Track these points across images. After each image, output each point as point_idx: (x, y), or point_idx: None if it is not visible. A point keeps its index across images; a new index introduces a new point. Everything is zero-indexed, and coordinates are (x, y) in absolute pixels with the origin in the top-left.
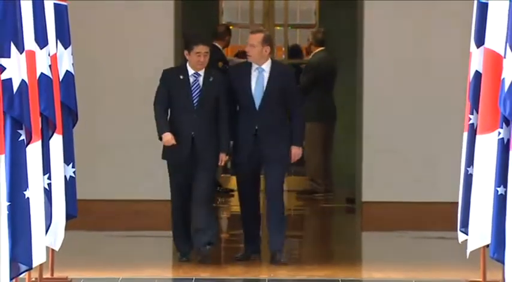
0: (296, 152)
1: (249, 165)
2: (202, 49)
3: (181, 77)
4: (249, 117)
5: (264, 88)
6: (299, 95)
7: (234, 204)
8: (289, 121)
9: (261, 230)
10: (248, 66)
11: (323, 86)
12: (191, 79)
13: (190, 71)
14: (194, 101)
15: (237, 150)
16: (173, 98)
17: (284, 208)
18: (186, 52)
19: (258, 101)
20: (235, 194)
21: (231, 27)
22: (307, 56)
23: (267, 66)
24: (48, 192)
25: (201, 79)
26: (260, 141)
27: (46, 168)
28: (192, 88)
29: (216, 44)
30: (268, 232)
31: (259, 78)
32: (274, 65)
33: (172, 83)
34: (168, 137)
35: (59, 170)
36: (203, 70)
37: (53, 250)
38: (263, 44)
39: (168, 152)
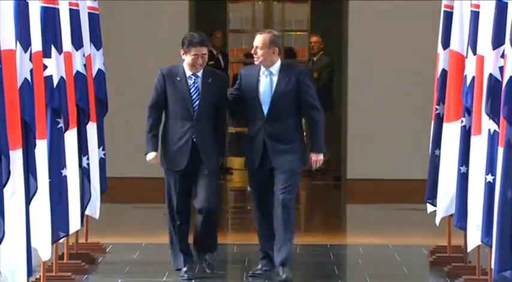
0: (316, 159)
1: (260, 172)
2: (199, 51)
3: (178, 78)
4: (257, 126)
5: (272, 93)
6: (315, 97)
7: (237, 181)
8: (307, 126)
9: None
10: (257, 69)
11: (321, 80)
12: (189, 81)
13: (188, 72)
14: (194, 105)
15: (249, 157)
16: (171, 101)
17: (292, 223)
18: (182, 52)
19: (265, 108)
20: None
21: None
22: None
23: (275, 68)
24: (87, 171)
25: (199, 81)
26: (269, 152)
27: (85, 150)
28: (191, 91)
29: None
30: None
31: (267, 82)
32: (284, 67)
33: (169, 85)
34: (152, 156)
35: (94, 152)
36: (201, 71)
37: (87, 219)
38: (269, 45)
39: (168, 159)
